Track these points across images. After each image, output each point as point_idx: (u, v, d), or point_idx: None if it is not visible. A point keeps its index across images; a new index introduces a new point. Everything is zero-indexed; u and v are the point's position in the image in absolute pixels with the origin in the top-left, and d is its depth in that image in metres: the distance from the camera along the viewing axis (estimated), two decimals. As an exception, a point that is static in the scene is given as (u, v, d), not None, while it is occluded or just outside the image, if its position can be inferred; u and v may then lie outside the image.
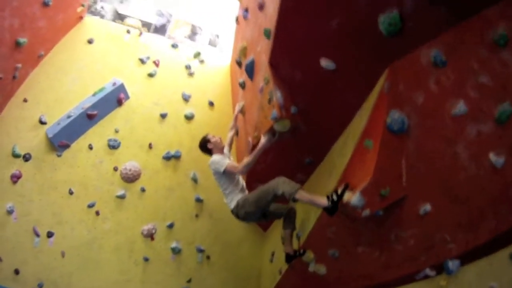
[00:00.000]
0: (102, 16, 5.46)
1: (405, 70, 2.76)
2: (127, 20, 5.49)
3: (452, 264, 2.69)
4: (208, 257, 4.87)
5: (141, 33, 5.40)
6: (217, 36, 5.96)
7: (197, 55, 5.66)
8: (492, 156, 2.40)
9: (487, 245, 2.52)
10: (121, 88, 4.99)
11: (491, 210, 2.48)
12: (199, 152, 5.12)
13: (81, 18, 5.31)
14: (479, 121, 2.47)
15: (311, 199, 3.13)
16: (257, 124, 3.90)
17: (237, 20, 4.92)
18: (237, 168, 3.54)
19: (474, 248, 2.60)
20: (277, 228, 4.89)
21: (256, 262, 5.08)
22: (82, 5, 5.16)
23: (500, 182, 2.40)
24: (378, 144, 2.86)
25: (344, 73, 3.05)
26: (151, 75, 5.31)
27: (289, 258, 3.72)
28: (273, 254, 4.72)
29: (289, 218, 3.77)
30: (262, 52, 3.60)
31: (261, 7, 3.54)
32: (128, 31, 5.38)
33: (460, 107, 2.52)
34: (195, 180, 5.06)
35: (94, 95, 4.85)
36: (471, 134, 2.53)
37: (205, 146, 3.94)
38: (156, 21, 5.55)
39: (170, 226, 4.80)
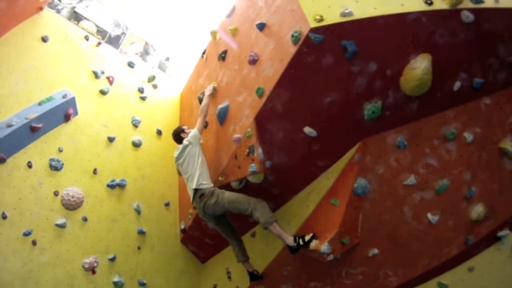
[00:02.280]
0: (58, 11, 4.96)
1: (373, 147, 3.65)
2: (82, 23, 5.11)
3: (392, 292, 3.57)
4: (150, 291, 4.76)
5: (99, 43, 5.12)
6: (168, 59, 5.99)
7: (151, 79, 5.66)
8: (429, 215, 3.52)
9: (420, 277, 3.52)
10: (71, 102, 4.65)
11: (425, 252, 3.59)
12: (144, 182, 5.15)
13: (40, 9, 4.72)
14: (423, 190, 3.56)
15: (281, 234, 3.69)
16: (225, 170, 4.24)
17: (204, 55, 5.09)
18: (198, 124, 4.28)
19: (410, 280, 3.62)
20: (217, 261, 5.18)
21: (196, 295, 5.17)
22: None
23: (434, 233, 3.57)
24: (345, 203, 3.63)
25: (322, 140, 3.68)
26: (103, 93, 5.07)
27: (253, 277, 4.22)
28: (215, 287, 4.92)
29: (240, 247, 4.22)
30: (245, 105, 3.94)
31: (253, 61, 3.85)
32: (86, 38, 5.04)
33: (411, 179, 3.54)
34: (138, 211, 5.01)
35: (40, 104, 4.38)
36: (416, 199, 3.58)
37: (179, 135, 4.40)
38: (111, 30, 5.27)
39: (112, 259, 4.62)
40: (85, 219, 4.50)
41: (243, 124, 3.96)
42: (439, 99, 3.34)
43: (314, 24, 3.04)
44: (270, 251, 4.35)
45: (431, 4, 2.96)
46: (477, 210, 3.39)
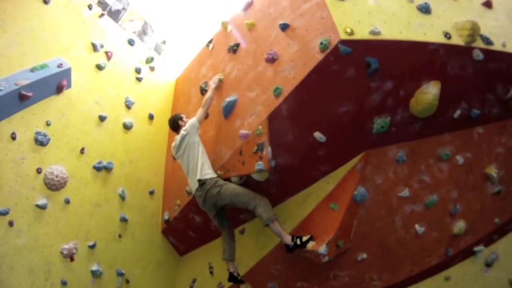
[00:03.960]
0: (61, -26, 4.68)
1: (375, 158, 4.04)
2: (84, -9, 4.92)
3: (375, 295, 3.94)
4: (127, 281, 4.75)
5: (102, 14, 4.97)
6: (164, 42, 5.91)
7: (149, 60, 5.58)
8: (417, 226, 3.94)
9: (402, 282, 3.92)
10: (66, 73, 4.43)
11: (409, 260, 4.04)
12: (131, 167, 5.06)
13: (43, -33, 4.55)
14: (414, 203, 4.02)
15: (280, 233, 3.91)
16: (226, 164, 4.34)
17: (211, 44, 5.13)
18: (199, 115, 4.26)
19: (392, 285, 3.99)
20: (197, 255, 5.25)
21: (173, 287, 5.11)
22: None
23: (419, 243, 4.01)
24: (344, 209, 3.93)
25: (329, 147, 3.95)
26: (99, 67, 4.89)
27: (233, 278, 4.15)
28: (194, 281, 4.95)
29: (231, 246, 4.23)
30: (258, 102, 4.08)
31: (271, 60, 3.97)
32: (90, 7, 4.83)
33: (405, 192, 3.97)
34: (122, 197, 4.93)
35: (32, 71, 4.14)
36: (407, 210, 4.02)
37: (177, 122, 4.46)
38: (112, 3, 5.13)
39: (92, 246, 4.51)
40: (67, 202, 4.34)
41: (253, 120, 4.10)
42: (440, 123, 3.85)
43: (344, 36, 3.32)
44: (259, 249, 4.57)
45: (449, 38, 3.40)
46: (459, 225, 3.92)
